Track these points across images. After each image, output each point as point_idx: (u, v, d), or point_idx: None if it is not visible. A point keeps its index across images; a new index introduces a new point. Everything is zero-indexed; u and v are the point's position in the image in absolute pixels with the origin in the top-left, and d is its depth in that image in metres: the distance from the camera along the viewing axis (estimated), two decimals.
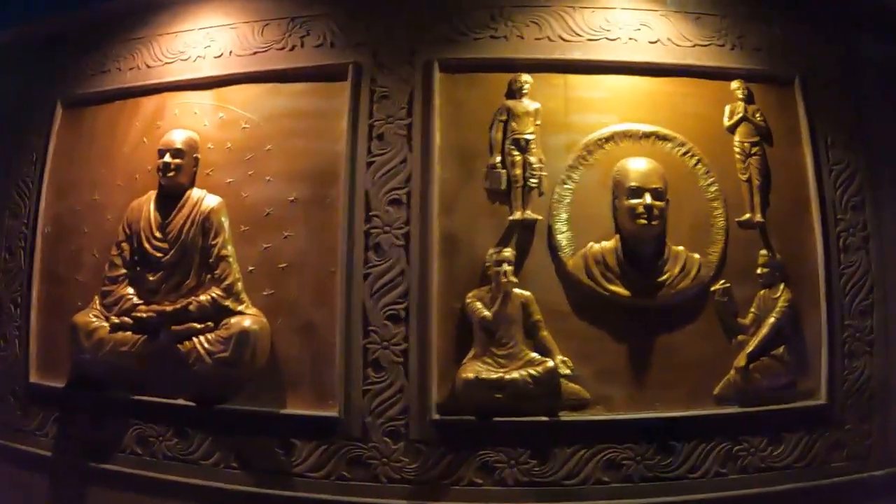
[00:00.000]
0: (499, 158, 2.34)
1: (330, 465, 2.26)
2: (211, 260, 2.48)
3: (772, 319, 2.24)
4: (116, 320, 2.51)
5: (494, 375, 2.18)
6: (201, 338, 2.40)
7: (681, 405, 2.23)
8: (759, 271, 2.29)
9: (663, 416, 2.20)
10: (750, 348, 2.24)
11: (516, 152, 2.33)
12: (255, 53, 2.61)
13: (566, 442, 2.20)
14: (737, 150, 2.36)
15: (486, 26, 2.46)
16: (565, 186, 2.33)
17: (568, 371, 2.20)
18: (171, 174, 2.53)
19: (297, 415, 2.31)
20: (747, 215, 2.32)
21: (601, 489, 2.18)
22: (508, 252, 2.27)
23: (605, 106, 2.39)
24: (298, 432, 2.31)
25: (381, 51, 2.48)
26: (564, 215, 2.31)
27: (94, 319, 2.55)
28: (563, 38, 2.43)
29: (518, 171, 2.32)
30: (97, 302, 2.61)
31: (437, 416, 2.21)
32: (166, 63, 2.73)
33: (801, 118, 2.37)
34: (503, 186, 2.32)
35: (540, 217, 2.31)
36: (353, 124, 2.41)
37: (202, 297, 2.45)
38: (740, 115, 2.36)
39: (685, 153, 2.35)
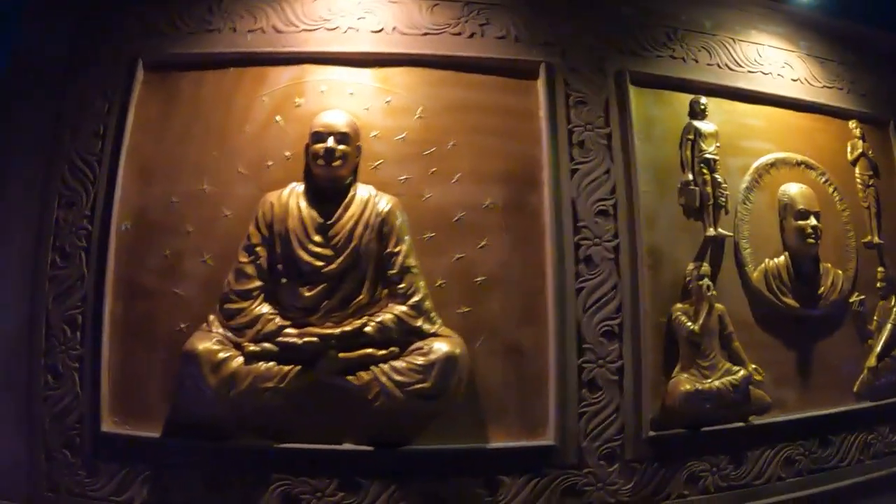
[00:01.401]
0: (691, 176, 2.40)
1: (542, 499, 2.05)
2: (393, 272, 2.08)
3: (889, 325, 2.66)
4: (254, 347, 1.97)
5: (708, 386, 2.22)
6: (384, 366, 1.99)
7: (833, 402, 2.50)
8: (878, 285, 2.70)
9: (825, 413, 2.44)
10: (878, 350, 2.61)
11: (706, 171, 2.41)
12: (425, 34, 2.29)
13: (755, 444, 2.31)
14: (858, 181, 2.75)
15: (665, 45, 2.51)
16: (745, 206, 2.48)
17: (760, 378, 2.34)
18: (337, 164, 2.08)
19: (506, 448, 2.06)
20: (869, 237, 2.72)
21: (781, 485, 2.34)
22: (707, 267, 2.34)
23: (765, 134, 2.60)
24: (505, 467, 2.06)
25: (569, 53, 2.36)
26: (746, 233, 2.45)
27: (219, 347, 1.97)
28: (728, 66, 2.59)
29: (709, 189, 2.39)
30: (216, 323, 2.02)
31: (651, 433, 2.16)
32: (304, 30, 2.25)
33: None
34: (697, 204, 2.38)
35: (731, 234, 2.42)
36: (553, 128, 2.26)
37: (384, 317, 2.03)
38: (860, 151, 2.76)
39: (825, 181, 2.67)
